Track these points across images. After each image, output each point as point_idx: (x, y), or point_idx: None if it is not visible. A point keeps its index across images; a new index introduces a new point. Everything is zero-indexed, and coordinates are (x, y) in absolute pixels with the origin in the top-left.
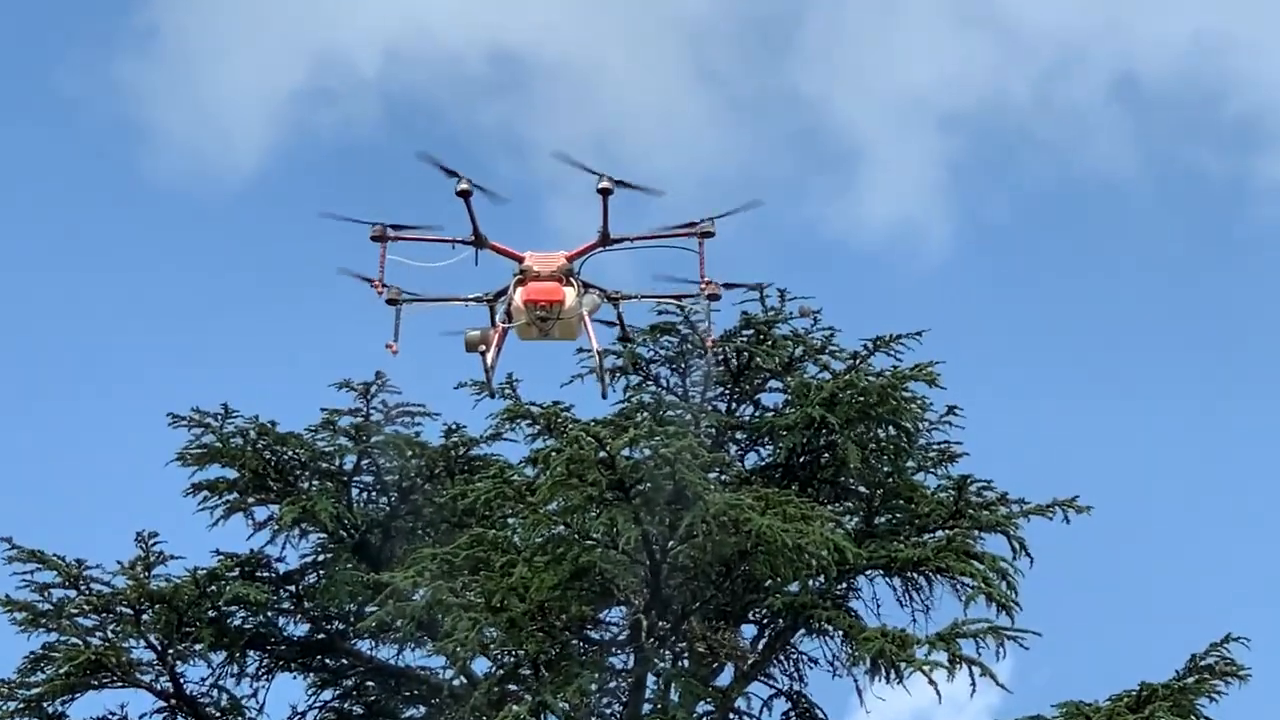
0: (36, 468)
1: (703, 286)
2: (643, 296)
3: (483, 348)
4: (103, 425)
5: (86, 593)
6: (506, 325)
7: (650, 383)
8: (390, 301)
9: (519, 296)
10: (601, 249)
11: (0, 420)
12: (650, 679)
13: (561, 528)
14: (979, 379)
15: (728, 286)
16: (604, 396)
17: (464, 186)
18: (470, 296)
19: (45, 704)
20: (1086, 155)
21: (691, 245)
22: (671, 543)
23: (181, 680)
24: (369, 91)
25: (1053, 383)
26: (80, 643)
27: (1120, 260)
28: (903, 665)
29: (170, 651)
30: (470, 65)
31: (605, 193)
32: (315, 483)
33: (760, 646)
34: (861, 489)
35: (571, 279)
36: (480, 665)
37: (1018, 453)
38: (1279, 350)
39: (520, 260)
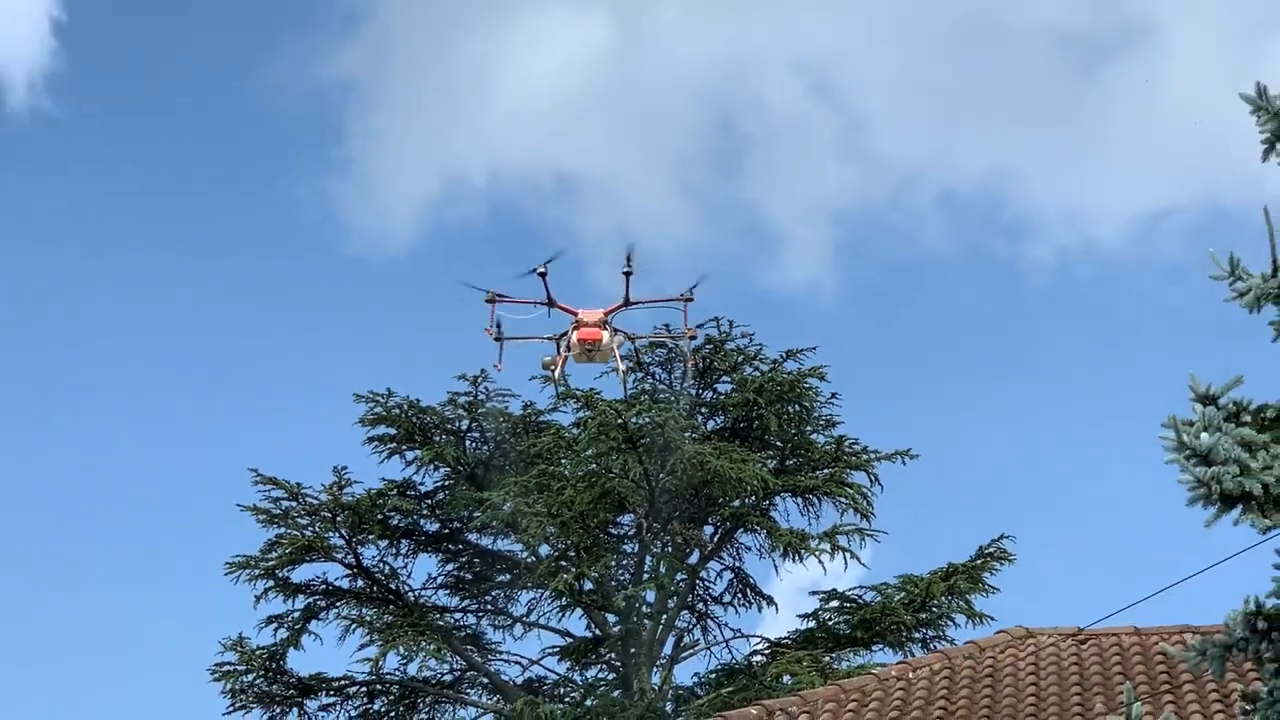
0: (281, 429)
1: (686, 331)
2: (650, 337)
3: (553, 367)
4: (312, 402)
5: (302, 503)
6: (567, 354)
7: (649, 378)
8: (496, 339)
9: (575, 337)
10: (625, 308)
11: (265, 406)
12: (648, 559)
13: (594, 465)
14: (853, 375)
15: (700, 327)
16: (625, 393)
17: (541, 270)
18: (545, 336)
19: (276, 571)
20: (921, 240)
21: (679, 307)
22: (661, 475)
23: (360, 557)
24: (479, 197)
25: (899, 377)
26: (298, 534)
27: (939, 305)
28: (802, 552)
29: (354, 539)
30: (541, 179)
31: (628, 275)
32: (443, 437)
33: (715, 539)
34: (778, 443)
35: (607, 326)
36: (543, 550)
37: (875, 421)
38: (1040, 360)
39: (575, 315)
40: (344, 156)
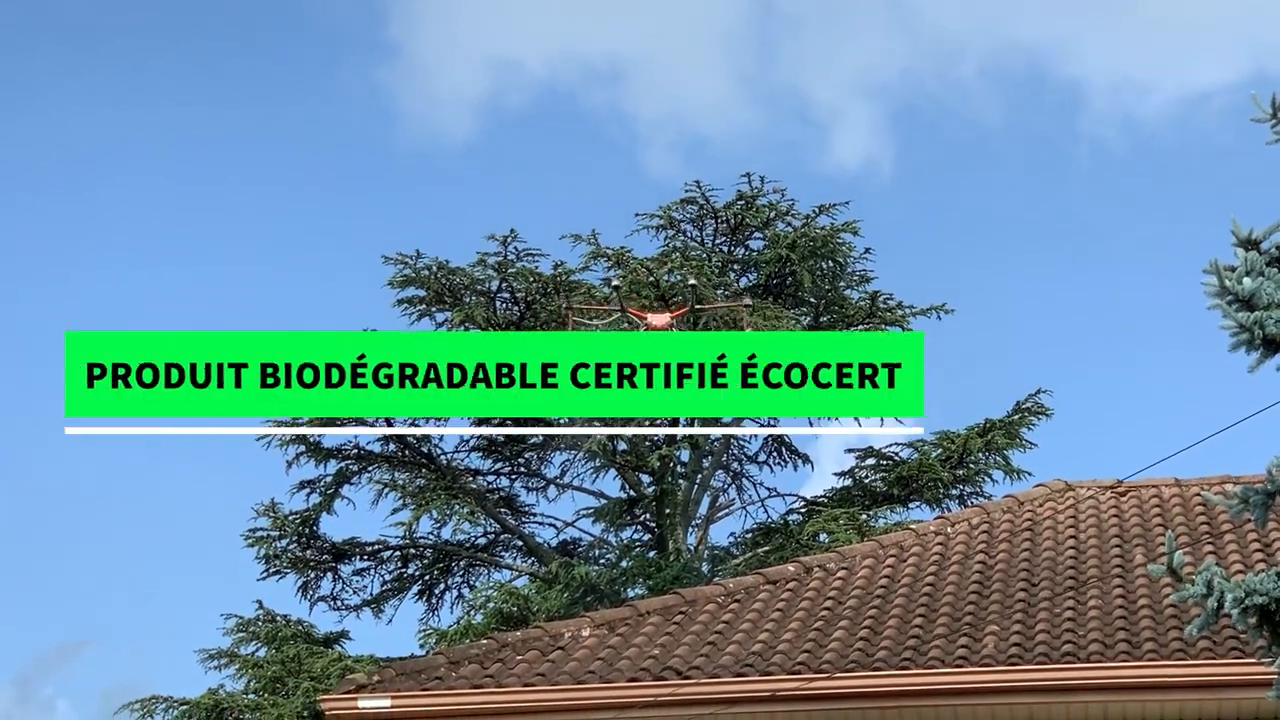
0: (310, 290)
1: (746, 325)
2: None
3: None
4: (340, 267)
5: None
6: None
7: (682, 236)
8: None
9: None
10: (691, 313)
11: (295, 268)
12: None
13: (626, 324)
14: (899, 238)
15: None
16: None
17: (616, 284)
18: None
19: (307, 436)
20: (968, 112)
21: (736, 310)
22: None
23: (391, 421)
24: (535, 84)
25: (940, 239)
26: None
27: (989, 179)
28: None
29: None
30: (596, 64)
31: (693, 288)
32: (473, 298)
33: None
34: (811, 300)
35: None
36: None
37: (909, 275)
38: (1085, 229)
39: (644, 318)
40: (393, 43)
